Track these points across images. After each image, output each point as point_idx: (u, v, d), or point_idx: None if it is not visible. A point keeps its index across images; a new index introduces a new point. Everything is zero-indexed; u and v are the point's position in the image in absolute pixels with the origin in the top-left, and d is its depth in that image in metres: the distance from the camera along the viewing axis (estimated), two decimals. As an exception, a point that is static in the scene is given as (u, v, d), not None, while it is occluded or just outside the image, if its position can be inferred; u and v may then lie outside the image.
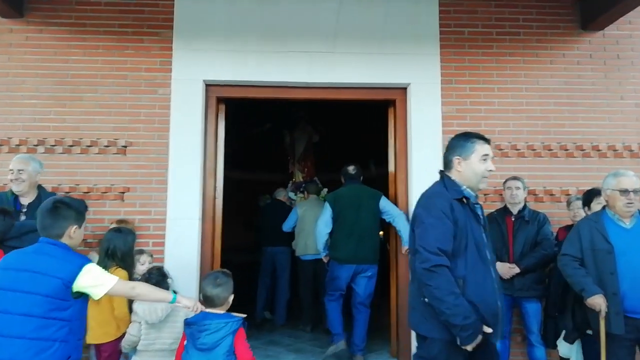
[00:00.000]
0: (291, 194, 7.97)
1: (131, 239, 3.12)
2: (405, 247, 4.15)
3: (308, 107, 7.88)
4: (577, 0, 4.38)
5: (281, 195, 6.38)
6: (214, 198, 4.29)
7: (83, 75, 4.05)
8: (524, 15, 4.37)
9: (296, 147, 8.32)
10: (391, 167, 4.46)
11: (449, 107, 4.23)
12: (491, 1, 4.36)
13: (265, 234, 6.05)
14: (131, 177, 4.02)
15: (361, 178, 4.63)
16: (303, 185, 7.99)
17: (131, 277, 3.06)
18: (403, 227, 4.15)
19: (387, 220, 4.35)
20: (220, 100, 4.33)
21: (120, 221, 3.78)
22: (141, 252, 3.50)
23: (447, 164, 2.47)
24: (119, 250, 3.01)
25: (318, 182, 7.48)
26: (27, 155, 3.58)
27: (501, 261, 3.65)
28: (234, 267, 6.11)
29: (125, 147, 4.03)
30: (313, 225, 4.91)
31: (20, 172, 3.34)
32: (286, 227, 5.75)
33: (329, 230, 4.39)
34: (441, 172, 2.50)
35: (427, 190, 2.46)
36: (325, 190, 7.10)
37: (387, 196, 4.47)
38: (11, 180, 3.34)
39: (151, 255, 3.58)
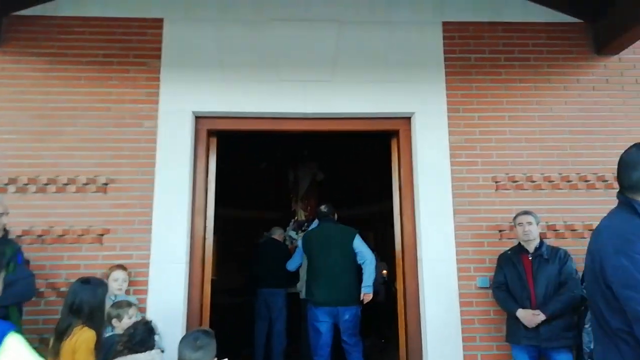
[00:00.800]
0: (292, 233, 7.63)
1: (101, 292, 2.70)
2: (364, 292, 4.14)
3: (312, 144, 7.64)
4: (589, 23, 4.14)
5: (277, 233, 5.99)
6: (204, 239, 3.93)
7: (63, 108, 3.77)
8: (533, 40, 4.12)
9: (300, 186, 8.10)
10: (396, 203, 4.10)
11: (457, 137, 3.91)
12: (498, 26, 4.12)
13: (260, 275, 5.63)
14: (111, 217, 3.67)
15: (335, 216, 4.56)
16: (305, 224, 7.66)
17: (100, 337, 2.63)
18: (368, 273, 4.16)
19: (359, 262, 4.26)
20: (210, 133, 4.04)
21: (117, 266, 3.42)
22: (129, 304, 3.10)
23: None
24: (86, 305, 2.58)
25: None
26: None
27: (522, 307, 3.24)
28: (229, 310, 5.71)
29: (106, 184, 3.71)
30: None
31: (2, 216, 2.98)
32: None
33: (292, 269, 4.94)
34: (623, 196, 1.80)
35: (610, 226, 1.78)
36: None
37: (392, 235, 4.12)
38: None
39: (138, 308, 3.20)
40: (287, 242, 7.59)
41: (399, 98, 3.96)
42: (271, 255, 5.57)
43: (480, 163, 3.89)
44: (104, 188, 3.70)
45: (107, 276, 3.34)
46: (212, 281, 3.96)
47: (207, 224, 3.97)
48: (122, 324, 3.00)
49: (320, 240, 4.34)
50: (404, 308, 3.89)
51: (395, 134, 4.12)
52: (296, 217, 7.74)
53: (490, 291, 3.63)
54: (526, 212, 3.45)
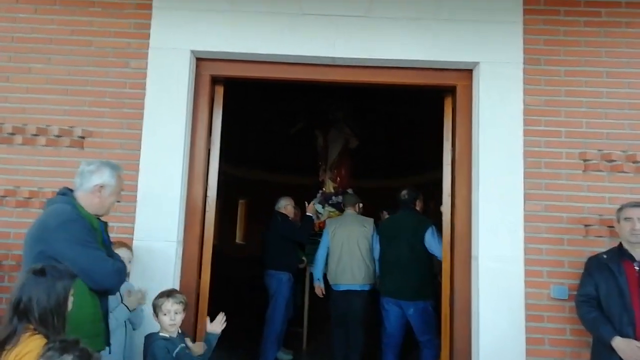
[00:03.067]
0: (318, 207, 6.81)
1: (61, 288, 1.89)
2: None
3: (350, 103, 6.70)
4: None
5: (283, 205, 4.99)
6: (203, 212, 3.17)
7: (32, 39, 3.02)
8: (648, -31, 3.06)
9: (329, 152, 7.14)
10: (446, 181, 3.21)
11: (534, 98, 2.96)
12: (598, -50, 3.07)
13: (264, 254, 4.94)
14: (88, 179, 2.95)
15: (416, 204, 4.14)
16: (333, 197, 6.84)
17: None
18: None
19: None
20: (215, 79, 3.22)
21: (118, 243, 2.68)
22: (169, 294, 2.50)
23: None
24: (36, 304, 1.83)
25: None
26: None
27: (622, 334, 2.34)
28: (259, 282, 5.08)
29: (83, 137, 2.97)
30: (348, 246, 4.31)
31: None
32: (318, 255, 4.57)
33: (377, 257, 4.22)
34: None
35: None
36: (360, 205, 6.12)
37: (440, 221, 3.25)
38: None
39: (182, 302, 2.52)
40: (314, 217, 6.84)
41: (458, 43, 3.01)
42: (272, 232, 4.86)
43: (565, 134, 2.92)
44: (80, 142, 2.97)
45: None
46: (240, 247, 3.24)
47: (208, 193, 3.21)
48: (160, 322, 2.46)
49: (393, 229, 4.07)
50: (449, 316, 3.05)
51: (450, 90, 3.19)
52: (324, 188, 6.89)
53: (567, 304, 2.76)
54: (639, 204, 2.50)
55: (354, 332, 4.38)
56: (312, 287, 5.60)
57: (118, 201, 2.38)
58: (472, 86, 3.09)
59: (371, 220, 4.59)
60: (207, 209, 3.20)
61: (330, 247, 4.46)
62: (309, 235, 4.95)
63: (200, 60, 3.13)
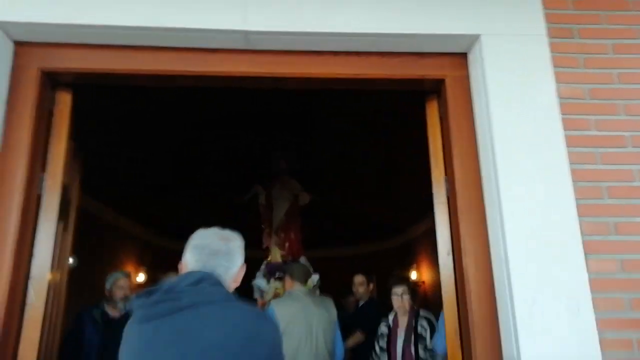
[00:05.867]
0: (260, 282, 5.39)
1: None
2: None
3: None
4: None
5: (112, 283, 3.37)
6: (21, 304, 1.75)
7: None
8: None
9: (274, 211, 5.78)
10: (442, 232, 1.95)
11: (573, 88, 1.83)
12: None
13: None
14: None
15: None
16: (280, 266, 5.47)
17: None
18: None
19: None
20: (54, 80, 1.93)
21: None
22: None
23: None
24: None
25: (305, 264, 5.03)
26: None
27: None
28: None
29: None
30: (310, 343, 2.96)
31: None
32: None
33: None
34: None
35: None
36: (317, 277, 4.96)
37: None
38: None
39: None
40: (256, 295, 5.39)
41: (444, 8, 1.90)
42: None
43: (631, 141, 1.79)
44: None
45: None
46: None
47: (32, 274, 1.81)
48: None
49: None
50: None
51: (435, 88, 2.03)
52: (269, 258, 5.50)
53: None
54: None
55: None
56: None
57: None
58: (469, 76, 1.94)
59: (331, 300, 3.33)
60: (27, 299, 1.77)
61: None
62: None
63: (22, 46, 1.85)
